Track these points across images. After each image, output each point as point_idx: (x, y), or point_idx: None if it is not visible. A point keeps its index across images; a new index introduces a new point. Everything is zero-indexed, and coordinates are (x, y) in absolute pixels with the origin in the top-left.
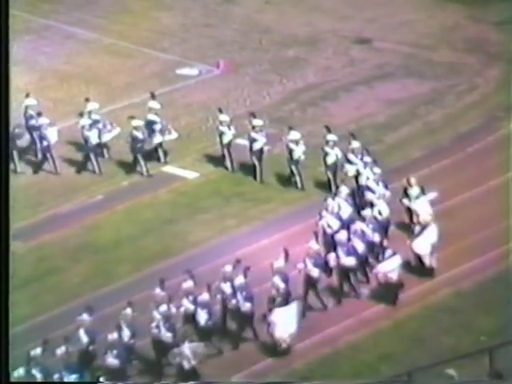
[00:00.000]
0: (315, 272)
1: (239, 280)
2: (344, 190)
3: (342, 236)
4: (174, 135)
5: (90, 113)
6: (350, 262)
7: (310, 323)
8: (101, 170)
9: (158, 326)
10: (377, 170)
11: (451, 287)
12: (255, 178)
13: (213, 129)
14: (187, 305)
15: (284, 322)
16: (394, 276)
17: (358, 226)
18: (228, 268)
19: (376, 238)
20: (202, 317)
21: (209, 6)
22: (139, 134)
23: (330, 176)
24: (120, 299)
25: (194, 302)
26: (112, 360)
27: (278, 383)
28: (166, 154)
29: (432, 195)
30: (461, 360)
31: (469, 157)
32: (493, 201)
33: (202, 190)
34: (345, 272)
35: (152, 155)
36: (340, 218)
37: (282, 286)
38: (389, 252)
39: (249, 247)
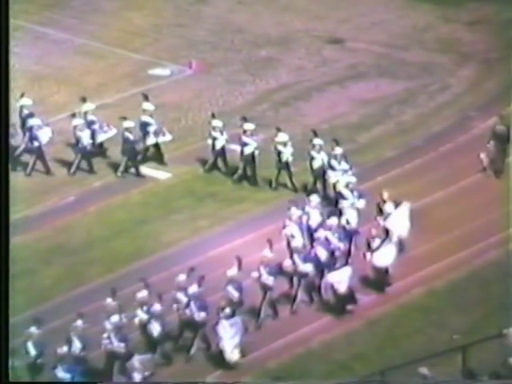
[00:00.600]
0: (270, 280)
1: (193, 289)
2: (315, 199)
3: (297, 243)
4: (168, 137)
5: (85, 113)
6: (307, 268)
7: (282, 323)
8: (93, 170)
9: (109, 337)
10: (352, 179)
11: (424, 286)
12: (248, 181)
13: (185, 129)
14: (141, 315)
15: (229, 336)
16: (342, 287)
17: (322, 233)
18: (182, 277)
19: (341, 246)
20: (155, 328)
21: (181, 6)
22: (130, 136)
23: (317, 180)
24: (92, 301)
25: (148, 312)
26: (63, 374)
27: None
28: (162, 155)
29: (406, 208)
30: (434, 358)
31: (441, 156)
32: (465, 200)
33: (174, 191)
34: (300, 279)
35: (146, 157)
36: (307, 228)
37: (235, 295)
38: (341, 262)
39: (222, 247)
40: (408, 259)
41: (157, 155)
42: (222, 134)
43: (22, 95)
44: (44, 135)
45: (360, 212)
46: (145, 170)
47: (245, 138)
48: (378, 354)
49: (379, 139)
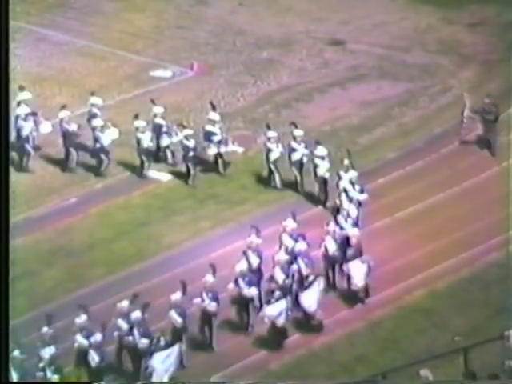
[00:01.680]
0: (212, 306)
1: (136, 315)
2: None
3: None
4: (240, 149)
5: (155, 116)
6: (251, 292)
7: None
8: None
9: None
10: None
11: (426, 288)
12: (296, 189)
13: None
14: (80, 340)
15: (163, 368)
16: (279, 321)
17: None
18: (124, 304)
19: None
20: (94, 358)
21: (182, 8)
22: (190, 144)
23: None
24: (93, 303)
25: (87, 338)
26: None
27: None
28: (173, 154)
29: (365, 261)
30: (435, 360)
31: (443, 158)
32: (466, 202)
33: (175, 193)
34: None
35: (158, 157)
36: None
37: (178, 321)
38: (277, 294)
39: (223, 249)
40: (409, 261)
41: (218, 165)
42: (277, 146)
43: (93, 94)
44: (107, 136)
45: (362, 205)
46: (147, 171)
47: (294, 144)
48: (379, 356)
49: (380, 141)
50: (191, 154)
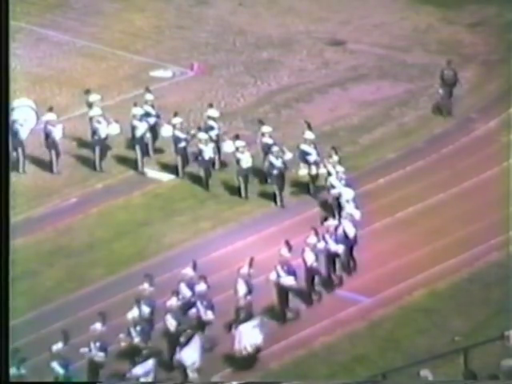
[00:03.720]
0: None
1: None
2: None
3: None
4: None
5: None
6: (289, 281)
7: (285, 325)
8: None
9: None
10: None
11: (426, 288)
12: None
13: (187, 131)
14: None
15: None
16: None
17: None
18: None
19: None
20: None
21: (182, 8)
22: (139, 124)
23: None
24: (94, 303)
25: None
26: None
27: (257, 383)
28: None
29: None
30: (436, 360)
31: (443, 158)
32: (466, 202)
33: (176, 193)
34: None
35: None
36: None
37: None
38: (188, 333)
39: (224, 249)
40: (409, 261)
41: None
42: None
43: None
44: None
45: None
46: (148, 171)
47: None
48: (379, 356)
49: (381, 141)
50: (182, 145)
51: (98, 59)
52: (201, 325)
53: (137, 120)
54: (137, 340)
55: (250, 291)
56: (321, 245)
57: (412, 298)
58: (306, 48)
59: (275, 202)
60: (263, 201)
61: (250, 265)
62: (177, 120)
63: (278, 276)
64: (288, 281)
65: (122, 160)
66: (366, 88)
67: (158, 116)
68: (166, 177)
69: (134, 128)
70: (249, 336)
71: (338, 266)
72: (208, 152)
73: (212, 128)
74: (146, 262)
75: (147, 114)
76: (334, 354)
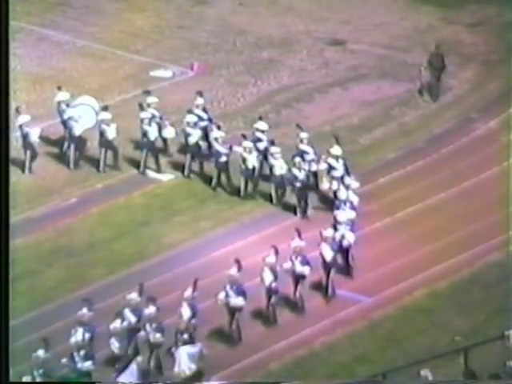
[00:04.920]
0: (239, 300)
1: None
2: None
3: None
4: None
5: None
6: (238, 302)
7: (285, 324)
8: (160, 169)
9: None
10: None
11: (426, 288)
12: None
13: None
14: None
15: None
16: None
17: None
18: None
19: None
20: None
21: (182, 8)
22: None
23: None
24: (94, 303)
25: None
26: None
27: (257, 383)
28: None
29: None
30: (436, 360)
31: (443, 158)
32: (466, 202)
33: (176, 192)
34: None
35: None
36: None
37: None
38: (126, 357)
39: (224, 249)
40: (409, 261)
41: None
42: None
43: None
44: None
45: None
46: (147, 171)
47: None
48: (380, 356)
49: (381, 141)
50: (223, 159)
51: (99, 59)
52: (150, 347)
53: (190, 127)
54: (80, 365)
55: (194, 314)
56: (287, 265)
57: (412, 297)
58: (306, 48)
59: (295, 213)
60: (263, 201)
61: (194, 288)
62: (218, 133)
63: (227, 296)
64: (237, 301)
65: (122, 160)
66: (366, 88)
67: (210, 120)
68: (166, 177)
69: (187, 135)
70: (187, 360)
71: (299, 287)
72: (252, 161)
73: (260, 140)
74: (146, 261)
75: (200, 119)
76: (334, 354)
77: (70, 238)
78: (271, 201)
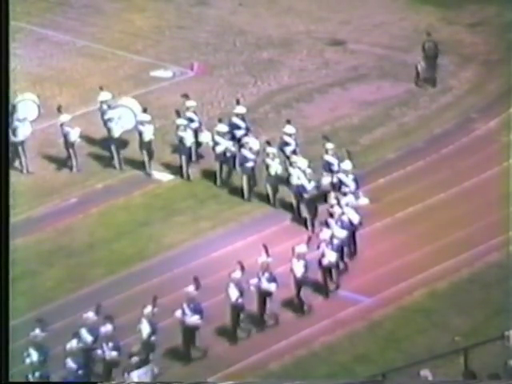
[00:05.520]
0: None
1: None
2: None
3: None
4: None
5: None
6: (194, 320)
7: (285, 324)
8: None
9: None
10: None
11: (426, 288)
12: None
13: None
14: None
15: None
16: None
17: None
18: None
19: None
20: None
21: (182, 8)
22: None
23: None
24: (94, 303)
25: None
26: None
27: (257, 383)
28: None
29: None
30: (436, 360)
31: (443, 158)
32: (466, 202)
33: (176, 193)
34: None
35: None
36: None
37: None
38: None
39: (224, 249)
40: (409, 261)
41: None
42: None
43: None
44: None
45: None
46: (149, 168)
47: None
48: (379, 356)
49: (381, 141)
50: (250, 165)
51: (99, 59)
52: (106, 366)
53: (182, 131)
54: None
55: (154, 331)
56: (253, 281)
57: (412, 297)
58: (306, 48)
59: (306, 227)
60: (263, 201)
61: (154, 305)
62: (249, 139)
63: (184, 314)
64: (193, 320)
65: (122, 160)
66: (366, 88)
67: (248, 129)
68: (166, 177)
69: (181, 139)
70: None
71: (269, 305)
72: (275, 167)
73: (287, 144)
74: (146, 261)
75: (190, 120)
76: (334, 354)
77: (70, 238)
78: (305, 225)
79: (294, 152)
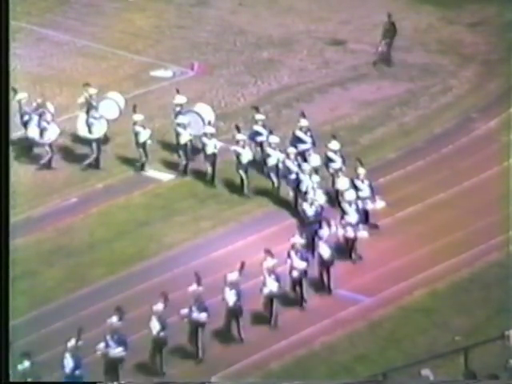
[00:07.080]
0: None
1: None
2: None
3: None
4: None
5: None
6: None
7: (285, 324)
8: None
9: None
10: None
11: (426, 288)
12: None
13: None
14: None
15: None
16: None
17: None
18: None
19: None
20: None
21: (182, 8)
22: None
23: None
24: (94, 303)
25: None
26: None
27: (257, 383)
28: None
29: None
30: (436, 360)
31: (443, 158)
32: (466, 202)
33: (176, 192)
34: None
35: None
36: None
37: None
38: None
39: (224, 249)
40: (409, 261)
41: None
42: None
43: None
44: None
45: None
46: (149, 171)
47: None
48: (380, 356)
49: (381, 141)
50: (293, 177)
51: (99, 59)
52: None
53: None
54: None
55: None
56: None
57: (412, 297)
58: (306, 48)
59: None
60: (263, 200)
61: (120, 319)
62: (273, 139)
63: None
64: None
65: (122, 160)
66: (366, 88)
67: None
68: (166, 176)
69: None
70: None
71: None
72: (306, 182)
73: (332, 160)
74: (146, 261)
75: (256, 134)
76: (334, 354)
77: (70, 238)
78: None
79: (340, 169)
